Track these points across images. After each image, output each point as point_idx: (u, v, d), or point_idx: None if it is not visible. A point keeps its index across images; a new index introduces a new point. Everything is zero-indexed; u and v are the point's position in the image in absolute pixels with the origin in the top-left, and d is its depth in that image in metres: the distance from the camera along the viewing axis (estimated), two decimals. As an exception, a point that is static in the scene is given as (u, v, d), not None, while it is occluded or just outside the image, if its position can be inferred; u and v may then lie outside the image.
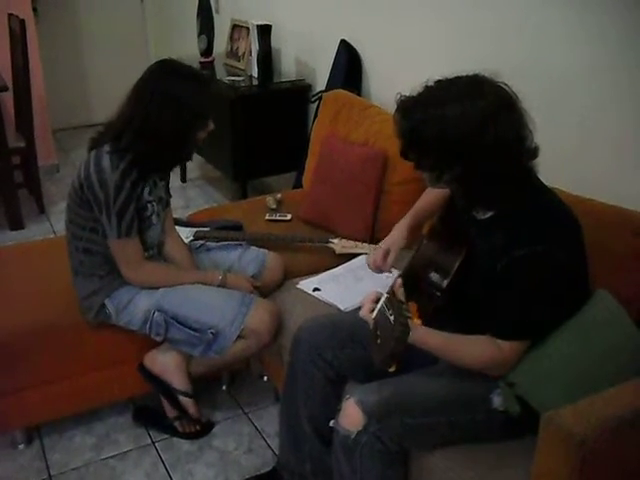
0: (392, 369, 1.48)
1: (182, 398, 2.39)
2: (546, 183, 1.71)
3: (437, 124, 1.52)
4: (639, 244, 1.86)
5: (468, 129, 1.51)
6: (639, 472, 1.50)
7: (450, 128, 1.51)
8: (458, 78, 1.59)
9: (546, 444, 1.41)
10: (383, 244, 2.06)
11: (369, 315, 1.59)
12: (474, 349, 1.69)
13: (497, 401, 1.69)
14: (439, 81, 1.61)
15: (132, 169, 2.09)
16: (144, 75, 2.12)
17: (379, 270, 2.05)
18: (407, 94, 1.62)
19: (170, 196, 2.42)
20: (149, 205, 2.22)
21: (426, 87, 1.61)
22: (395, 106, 1.64)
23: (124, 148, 2.08)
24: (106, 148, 2.09)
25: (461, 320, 1.81)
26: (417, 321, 1.54)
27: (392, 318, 1.44)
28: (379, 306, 1.52)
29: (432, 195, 2.07)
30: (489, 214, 1.69)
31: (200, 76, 2.18)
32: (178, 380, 2.37)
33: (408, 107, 1.58)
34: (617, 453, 1.44)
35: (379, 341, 1.47)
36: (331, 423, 1.76)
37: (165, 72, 2.12)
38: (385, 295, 1.56)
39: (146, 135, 2.07)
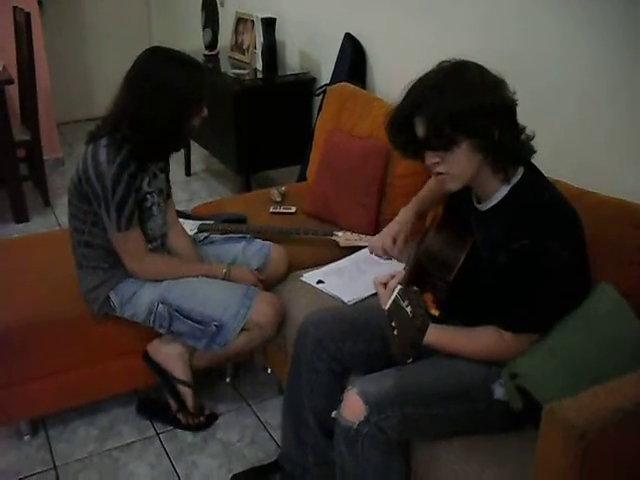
0: (410, 360, 1.48)
1: (181, 388, 2.40)
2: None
3: (470, 91, 1.55)
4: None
5: (495, 91, 1.58)
6: (641, 464, 1.50)
7: (480, 92, 1.55)
8: (443, 62, 1.64)
9: (548, 436, 1.41)
10: (390, 229, 2.06)
11: (387, 300, 1.58)
12: (476, 341, 1.71)
13: (499, 391, 1.70)
14: (429, 71, 1.64)
15: (129, 161, 2.09)
16: (135, 64, 2.10)
17: (386, 256, 2.05)
18: (414, 80, 1.64)
19: (170, 187, 2.42)
20: (149, 196, 2.22)
21: (426, 74, 1.63)
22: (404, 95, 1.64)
23: (121, 140, 2.08)
24: (103, 142, 2.08)
25: (465, 312, 1.82)
26: (434, 312, 1.54)
27: (409, 309, 1.44)
28: (393, 297, 1.52)
29: (436, 184, 2.06)
30: (491, 204, 1.69)
31: (191, 61, 2.15)
32: (179, 369, 2.38)
33: (435, 85, 1.58)
34: (619, 445, 1.44)
35: (396, 332, 1.47)
36: (333, 414, 1.77)
37: (155, 59, 2.11)
38: (399, 286, 1.56)
39: (141, 124, 2.06)
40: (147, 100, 2.05)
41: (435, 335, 1.66)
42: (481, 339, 1.71)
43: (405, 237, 2.04)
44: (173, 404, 2.44)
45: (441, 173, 1.65)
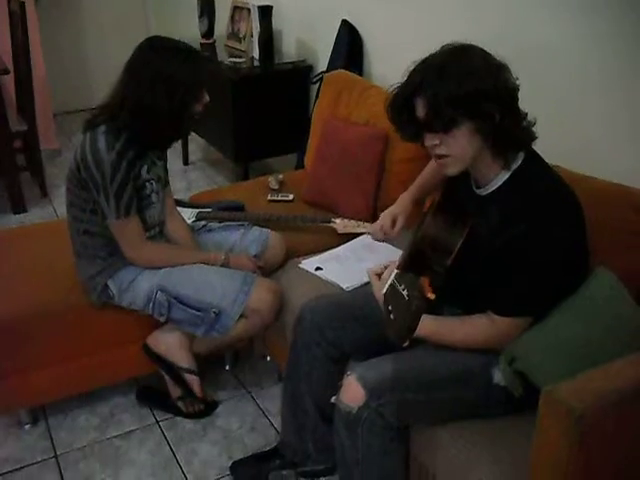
0: (407, 344, 1.48)
1: (187, 376, 2.41)
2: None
3: (472, 73, 1.55)
4: (640, 221, 1.86)
5: (497, 75, 1.57)
6: (639, 446, 1.51)
7: (482, 75, 1.55)
8: (446, 45, 1.64)
9: (545, 418, 1.42)
10: (389, 212, 2.06)
11: (380, 292, 1.59)
12: (467, 330, 1.71)
13: (498, 376, 1.70)
14: (432, 53, 1.63)
15: (128, 149, 2.09)
16: (134, 53, 2.10)
17: (384, 238, 2.05)
18: (417, 62, 1.64)
19: (167, 175, 2.41)
20: (147, 184, 2.22)
21: (432, 54, 1.63)
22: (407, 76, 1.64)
23: (120, 127, 2.08)
24: (102, 129, 2.08)
25: (461, 299, 1.82)
26: (431, 295, 1.55)
27: (405, 292, 1.44)
28: (389, 281, 1.52)
29: (434, 169, 2.06)
30: (490, 190, 1.69)
31: (190, 49, 2.15)
32: (182, 358, 2.39)
33: (437, 67, 1.58)
34: (617, 427, 1.44)
35: (392, 316, 1.47)
36: (332, 399, 1.77)
37: (155, 48, 2.10)
38: (395, 271, 1.56)
39: (141, 113, 2.06)
40: (147, 89, 2.04)
41: (429, 327, 1.67)
42: (473, 327, 1.71)
43: (404, 219, 2.04)
44: (174, 392, 2.45)
45: (440, 156, 1.65)
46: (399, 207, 2.07)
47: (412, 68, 1.64)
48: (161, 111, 2.07)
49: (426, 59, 1.63)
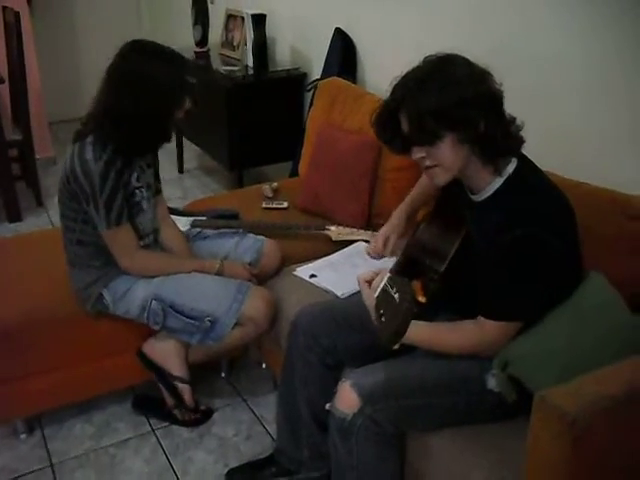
0: (397, 346, 1.49)
1: (179, 384, 2.41)
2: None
3: (453, 84, 1.55)
4: (633, 227, 1.87)
5: (479, 82, 1.57)
6: (633, 451, 1.51)
7: (463, 85, 1.55)
8: (429, 57, 1.64)
9: (538, 423, 1.42)
10: (382, 231, 2.07)
11: (371, 296, 1.60)
12: (457, 335, 1.72)
13: (492, 382, 1.70)
14: (415, 67, 1.64)
15: (116, 158, 2.08)
16: (115, 58, 2.07)
17: (379, 256, 2.06)
18: (400, 76, 1.64)
19: (159, 182, 2.42)
20: (137, 191, 2.21)
21: (414, 68, 1.63)
22: (390, 91, 1.65)
23: (106, 137, 2.07)
24: (89, 139, 2.08)
25: (457, 304, 1.82)
26: (422, 298, 1.55)
27: (396, 296, 1.45)
28: (382, 286, 1.53)
29: (427, 181, 2.07)
30: (486, 196, 1.69)
31: (172, 54, 2.12)
32: (176, 366, 2.39)
33: (418, 81, 1.58)
34: (610, 432, 1.44)
35: (383, 319, 1.48)
36: (327, 406, 1.77)
37: (135, 52, 2.08)
38: (387, 275, 1.57)
39: (122, 120, 2.05)
40: (126, 94, 2.04)
41: (420, 333, 1.67)
42: (463, 333, 1.71)
43: (397, 236, 2.05)
44: (170, 400, 2.45)
45: (428, 167, 1.66)
46: (390, 226, 2.08)
47: (394, 83, 1.64)
48: (141, 116, 2.06)
49: (408, 73, 1.63)
